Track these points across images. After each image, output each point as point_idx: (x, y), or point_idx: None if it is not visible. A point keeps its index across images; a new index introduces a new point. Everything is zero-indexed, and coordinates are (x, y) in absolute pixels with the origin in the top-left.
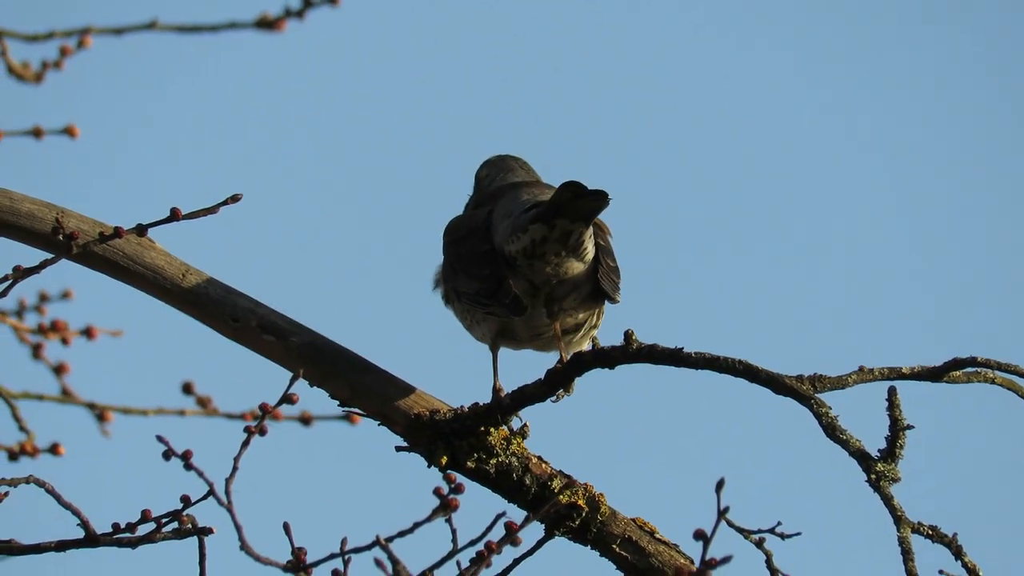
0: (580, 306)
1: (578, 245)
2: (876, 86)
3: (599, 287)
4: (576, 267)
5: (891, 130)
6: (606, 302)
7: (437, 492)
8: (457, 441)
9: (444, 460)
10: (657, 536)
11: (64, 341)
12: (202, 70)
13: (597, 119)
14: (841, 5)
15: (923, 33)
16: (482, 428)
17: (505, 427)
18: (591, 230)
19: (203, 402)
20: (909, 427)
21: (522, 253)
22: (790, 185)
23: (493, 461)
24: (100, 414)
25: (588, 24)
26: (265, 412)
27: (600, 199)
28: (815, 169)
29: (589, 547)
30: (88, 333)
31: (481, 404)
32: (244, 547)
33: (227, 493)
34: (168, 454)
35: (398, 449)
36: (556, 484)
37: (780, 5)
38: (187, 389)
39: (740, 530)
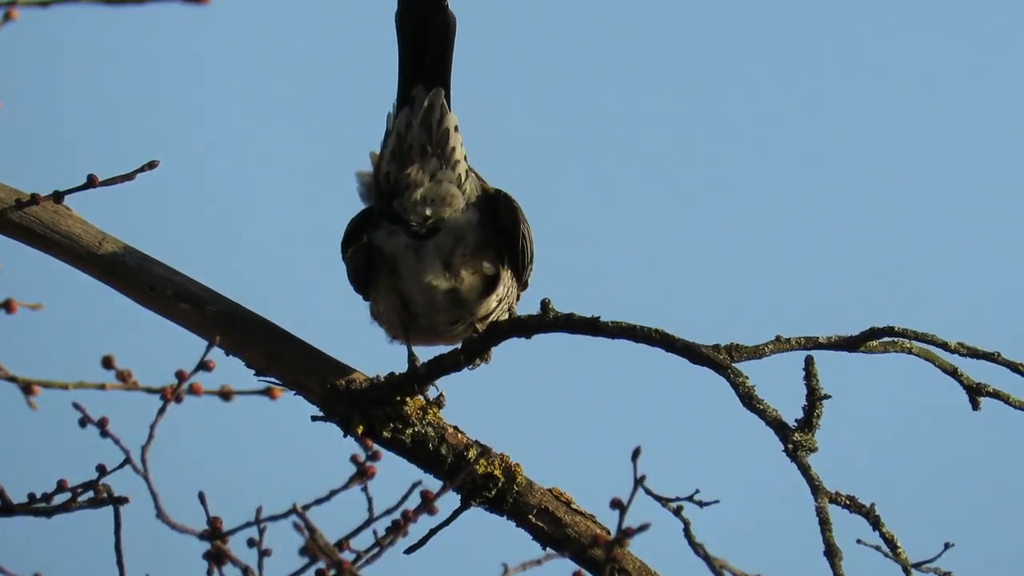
0: (477, 253)
1: (444, 140)
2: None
3: (499, 226)
4: (450, 190)
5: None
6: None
7: (354, 459)
8: (373, 410)
9: (360, 429)
10: (573, 506)
11: None
12: (125, 40)
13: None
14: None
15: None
16: (398, 398)
17: (421, 397)
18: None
19: (123, 376)
20: (826, 397)
21: (390, 165)
22: (711, 148)
23: (409, 431)
24: (27, 387)
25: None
26: (181, 379)
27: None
28: (736, 131)
29: (505, 517)
30: (7, 306)
31: (397, 374)
32: (160, 515)
33: (143, 461)
34: (84, 421)
35: (314, 419)
36: (472, 454)
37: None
38: (107, 363)
39: (658, 498)
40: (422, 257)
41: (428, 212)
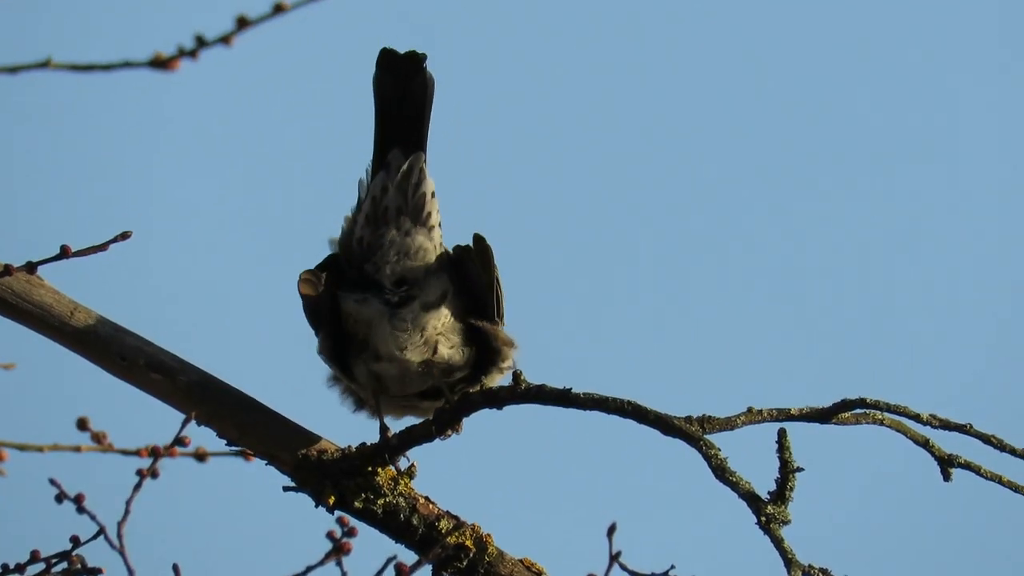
0: (454, 324)
1: (420, 205)
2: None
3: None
4: (424, 245)
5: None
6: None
7: (330, 536)
8: (345, 481)
9: (332, 500)
10: None
11: None
12: (92, 109)
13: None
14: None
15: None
16: (369, 468)
17: (392, 467)
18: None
19: (98, 438)
20: (799, 469)
21: (363, 230)
22: (683, 221)
23: (381, 501)
24: None
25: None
26: (157, 455)
27: (416, 63)
28: (709, 201)
29: None
30: None
31: (369, 444)
32: None
33: (119, 536)
34: (60, 497)
35: (286, 489)
36: (444, 525)
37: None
38: (82, 425)
39: (633, 574)
40: (396, 325)
41: (399, 267)
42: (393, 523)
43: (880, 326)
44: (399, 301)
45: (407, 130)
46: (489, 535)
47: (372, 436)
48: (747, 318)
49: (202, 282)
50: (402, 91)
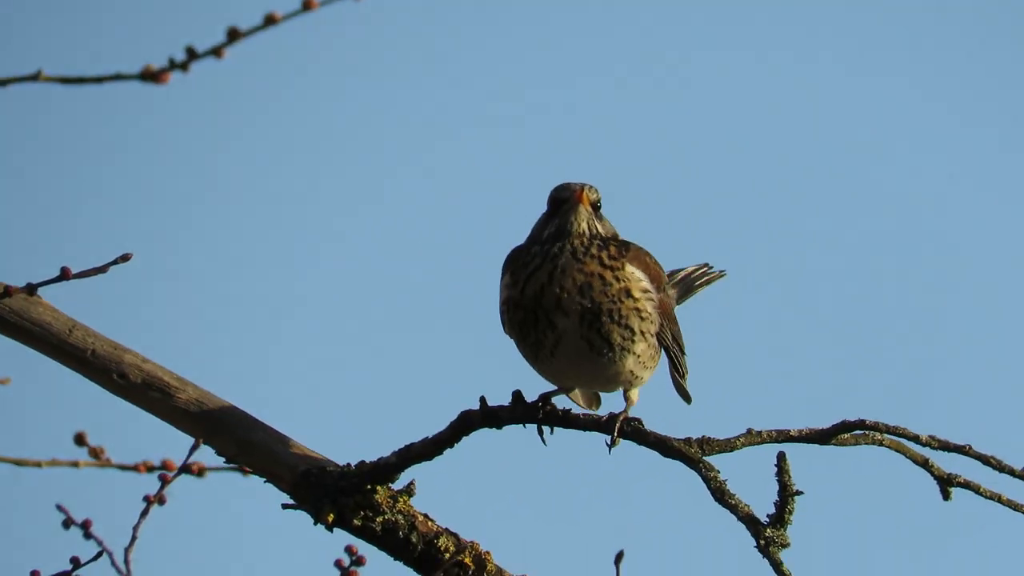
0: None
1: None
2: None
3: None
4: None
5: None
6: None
7: (338, 564)
8: (343, 499)
9: (331, 517)
10: None
11: None
12: (81, 125)
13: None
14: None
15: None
16: (368, 486)
17: (391, 485)
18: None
19: (96, 452)
20: (799, 493)
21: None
22: (685, 241)
23: (379, 519)
24: None
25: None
26: (165, 482)
27: None
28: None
29: None
30: None
31: (367, 462)
32: None
33: (126, 563)
34: (68, 523)
35: (284, 506)
36: (442, 542)
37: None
38: (80, 440)
39: None
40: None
41: None
42: (392, 541)
43: (882, 347)
44: None
45: None
46: (488, 552)
47: (372, 455)
48: (749, 338)
49: (201, 298)
50: None
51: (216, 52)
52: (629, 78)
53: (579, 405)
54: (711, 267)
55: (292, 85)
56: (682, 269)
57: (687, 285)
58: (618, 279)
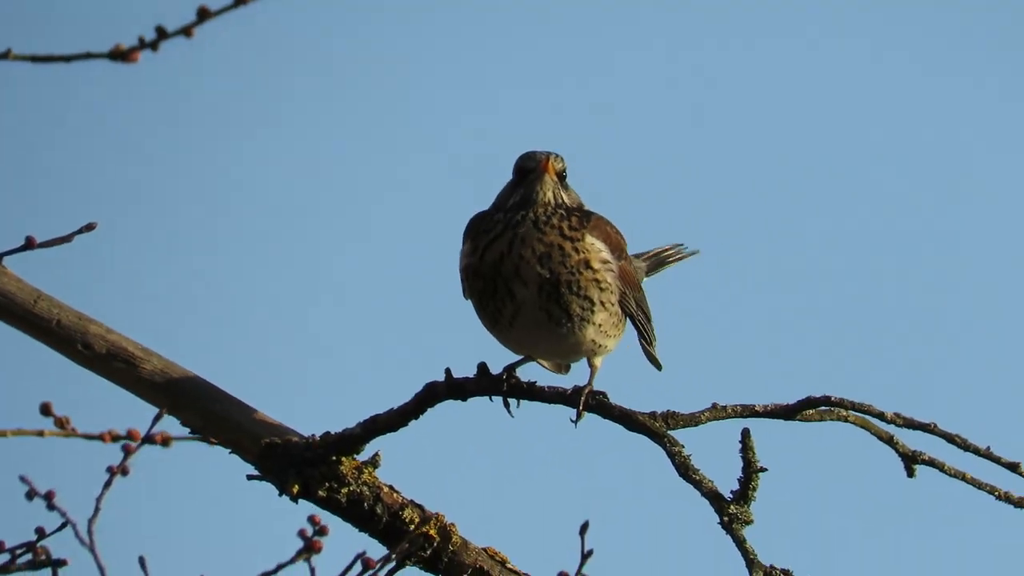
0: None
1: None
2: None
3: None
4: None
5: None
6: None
7: (301, 534)
8: (308, 470)
9: (296, 489)
10: (508, 566)
11: None
12: (56, 95)
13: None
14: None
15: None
16: (333, 457)
17: (356, 456)
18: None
19: (61, 423)
20: (763, 469)
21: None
22: (655, 221)
23: (344, 490)
24: None
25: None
26: (128, 452)
27: None
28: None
29: None
30: None
31: (333, 433)
32: None
33: (89, 533)
34: (31, 494)
35: (249, 477)
36: (407, 514)
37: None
38: (45, 410)
39: None
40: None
41: None
42: (357, 512)
43: (855, 324)
44: None
45: None
46: (453, 524)
47: (338, 425)
48: (716, 314)
49: (169, 271)
50: None
51: (186, 31)
52: (629, 77)
53: (547, 369)
54: (684, 246)
55: (266, 65)
56: (654, 248)
57: (659, 260)
58: (577, 250)
